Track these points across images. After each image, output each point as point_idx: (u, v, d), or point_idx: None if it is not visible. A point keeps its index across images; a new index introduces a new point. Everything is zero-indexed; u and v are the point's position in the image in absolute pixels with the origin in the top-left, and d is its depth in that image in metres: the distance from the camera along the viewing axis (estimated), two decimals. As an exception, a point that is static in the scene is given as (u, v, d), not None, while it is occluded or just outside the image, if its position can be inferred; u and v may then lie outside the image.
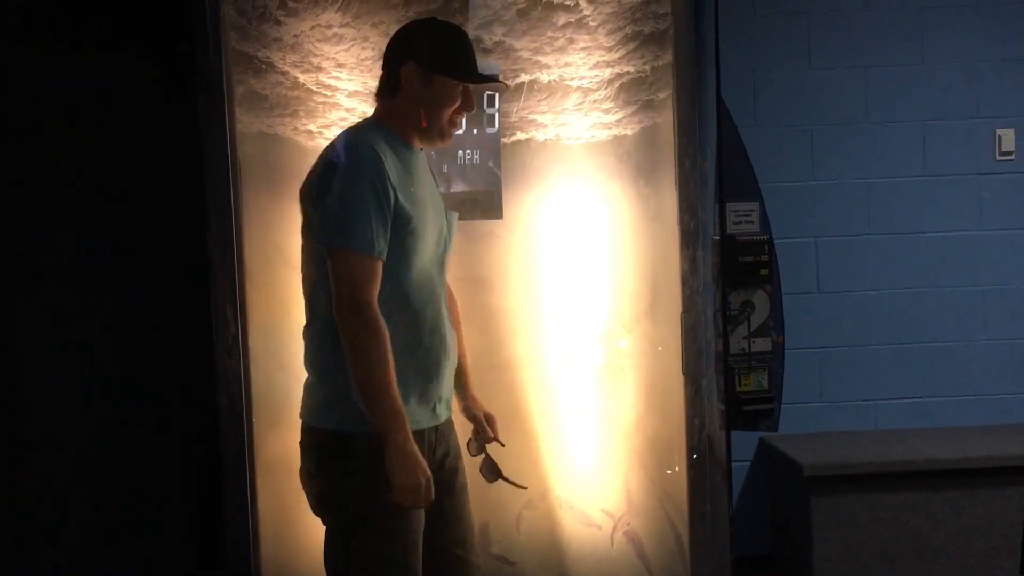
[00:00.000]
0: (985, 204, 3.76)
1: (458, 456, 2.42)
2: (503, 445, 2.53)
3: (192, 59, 2.78)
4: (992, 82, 3.74)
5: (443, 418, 2.34)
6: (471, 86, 2.32)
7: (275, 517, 2.82)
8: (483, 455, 2.52)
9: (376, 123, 2.31)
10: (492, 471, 2.52)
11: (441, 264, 2.35)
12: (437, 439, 2.31)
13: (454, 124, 2.34)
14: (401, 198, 2.19)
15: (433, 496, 2.18)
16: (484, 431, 2.52)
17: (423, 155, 2.38)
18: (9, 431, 3.16)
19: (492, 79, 2.42)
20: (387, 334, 2.14)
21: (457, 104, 2.30)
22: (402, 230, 2.20)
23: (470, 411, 2.52)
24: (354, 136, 2.25)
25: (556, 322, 2.91)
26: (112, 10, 3.12)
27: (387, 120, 2.30)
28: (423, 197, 2.28)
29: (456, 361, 2.40)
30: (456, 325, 2.46)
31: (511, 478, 2.53)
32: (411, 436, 2.14)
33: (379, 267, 2.18)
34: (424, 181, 2.33)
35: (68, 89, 3.14)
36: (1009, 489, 3.40)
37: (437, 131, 2.32)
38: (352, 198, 2.15)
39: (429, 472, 2.16)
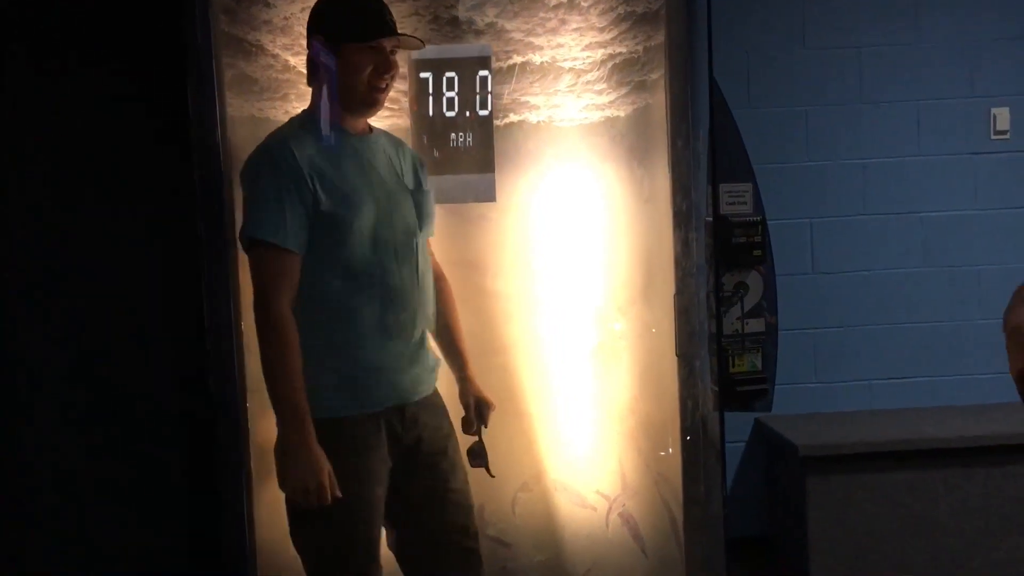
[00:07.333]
0: (980, 183, 3.76)
1: (447, 437, 2.44)
2: (478, 432, 2.57)
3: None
4: (987, 61, 3.73)
5: (412, 399, 2.34)
6: (388, 46, 2.29)
7: (270, 504, 2.82)
8: (476, 438, 2.54)
9: (306, 113, 2.33)
10: (477, 457, 2.55)
11: (397, 252, 2.30)
12: (406, 421, 2.32)
13: (376, 89, 2.30)
14: (320, 188, 2.19)
15: (328, 497, 2.14)
16: (469, 420, 2.54)
17: (370, 139, 2.36)
18: (6, 435, 3.15)
19: (405, 35, 2.35)
20: (295, 339, 2.15)
21: (370, 68, 2.27)
22: (324, 221, 2.20)
23: (463, 397, 2.55)
24: (273, 132, 2.28)
25: (550, 305, 2.90)
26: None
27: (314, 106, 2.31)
28: (357, 184, 2.26)
29: (426, 342, 2.41)
30: (448, 309, 2.49)
31: (491, 467, 2.56)
32: (311, 439, 2.14)
33: (292, 261, 2.18)
34: (364, 167, 2.30)
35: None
36: (1005, 468, 3.42)
37: (359, 100, 2.30)
38: (259, 190, 2.19)
39: (324, 474, 2.13)
